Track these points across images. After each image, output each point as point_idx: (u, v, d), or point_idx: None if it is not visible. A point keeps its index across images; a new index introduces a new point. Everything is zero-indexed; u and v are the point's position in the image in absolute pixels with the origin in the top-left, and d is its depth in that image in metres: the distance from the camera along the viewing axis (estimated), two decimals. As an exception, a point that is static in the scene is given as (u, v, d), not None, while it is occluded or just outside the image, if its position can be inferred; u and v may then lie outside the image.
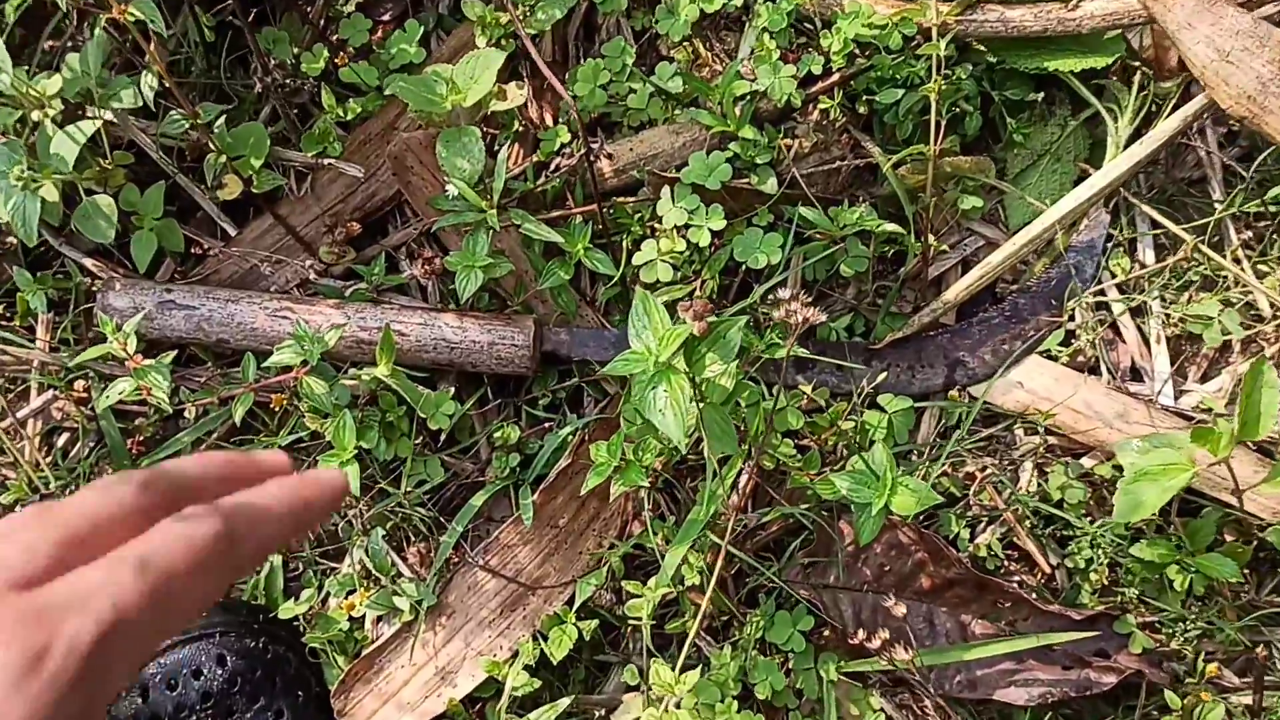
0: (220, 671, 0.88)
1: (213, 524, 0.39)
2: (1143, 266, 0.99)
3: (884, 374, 0.96)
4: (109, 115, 0.93)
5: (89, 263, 1.00)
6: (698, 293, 0.89)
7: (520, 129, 0.99)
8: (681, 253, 0.90)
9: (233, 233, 1.02)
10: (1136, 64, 0.97)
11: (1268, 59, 0.90)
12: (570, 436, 0.97)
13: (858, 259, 0.96)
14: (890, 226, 0.94)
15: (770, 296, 0.92)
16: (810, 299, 0.76)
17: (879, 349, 0.98)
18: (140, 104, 0.93)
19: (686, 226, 0.90)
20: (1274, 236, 0.98)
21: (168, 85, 0.87)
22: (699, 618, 0.84)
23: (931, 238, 0.97)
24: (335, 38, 1.05)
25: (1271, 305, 0.96)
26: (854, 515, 0.84)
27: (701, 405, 0.78)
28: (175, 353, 0.91)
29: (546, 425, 0.99)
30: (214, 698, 0.88)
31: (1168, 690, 0.88)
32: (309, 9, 1.04)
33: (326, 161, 0.99)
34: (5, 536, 0.37)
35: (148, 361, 0.87)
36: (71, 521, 0.38)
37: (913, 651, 0.86)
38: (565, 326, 0.96)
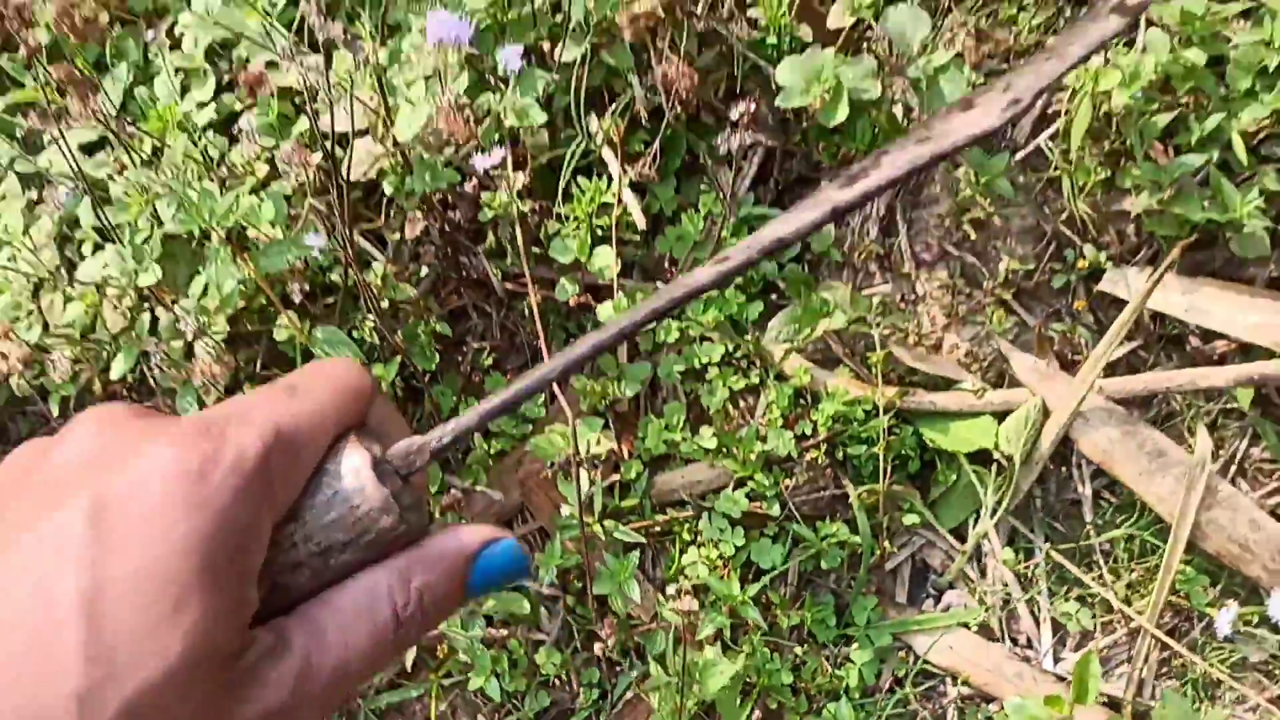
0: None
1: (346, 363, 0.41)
2: (1034, 566, 1.43)
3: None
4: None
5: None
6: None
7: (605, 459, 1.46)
8: (717, 559, 1.35)
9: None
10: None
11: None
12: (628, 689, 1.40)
13: (834, 557, 1.40)
14: (856, 538, 1.39)
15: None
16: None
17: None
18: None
19: (719, 540, 1.36)
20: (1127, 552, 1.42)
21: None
22: None
23: (886, 542, 1.42)
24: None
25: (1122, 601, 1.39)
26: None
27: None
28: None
29: (617, 669, 1.42)
30: None
31: None
32: (463, 366, 1.54)
33: (478, 489, 1.46)
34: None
35: None
36: None
37: None
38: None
